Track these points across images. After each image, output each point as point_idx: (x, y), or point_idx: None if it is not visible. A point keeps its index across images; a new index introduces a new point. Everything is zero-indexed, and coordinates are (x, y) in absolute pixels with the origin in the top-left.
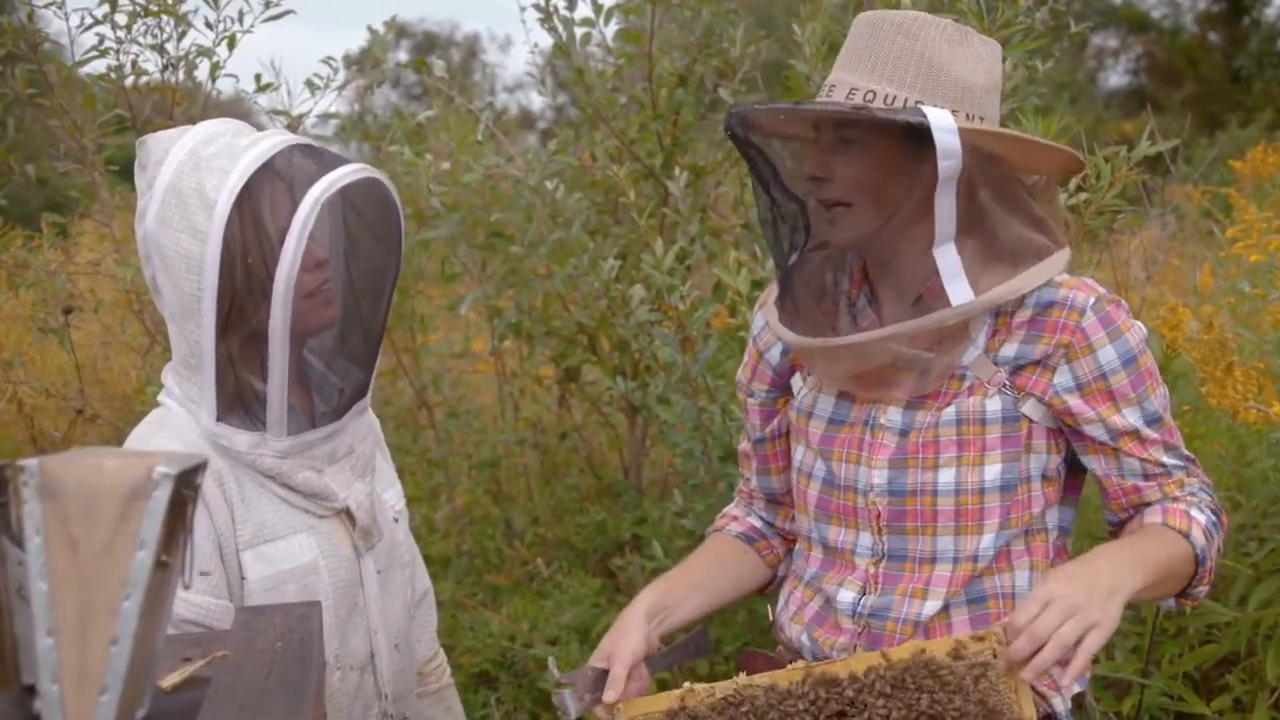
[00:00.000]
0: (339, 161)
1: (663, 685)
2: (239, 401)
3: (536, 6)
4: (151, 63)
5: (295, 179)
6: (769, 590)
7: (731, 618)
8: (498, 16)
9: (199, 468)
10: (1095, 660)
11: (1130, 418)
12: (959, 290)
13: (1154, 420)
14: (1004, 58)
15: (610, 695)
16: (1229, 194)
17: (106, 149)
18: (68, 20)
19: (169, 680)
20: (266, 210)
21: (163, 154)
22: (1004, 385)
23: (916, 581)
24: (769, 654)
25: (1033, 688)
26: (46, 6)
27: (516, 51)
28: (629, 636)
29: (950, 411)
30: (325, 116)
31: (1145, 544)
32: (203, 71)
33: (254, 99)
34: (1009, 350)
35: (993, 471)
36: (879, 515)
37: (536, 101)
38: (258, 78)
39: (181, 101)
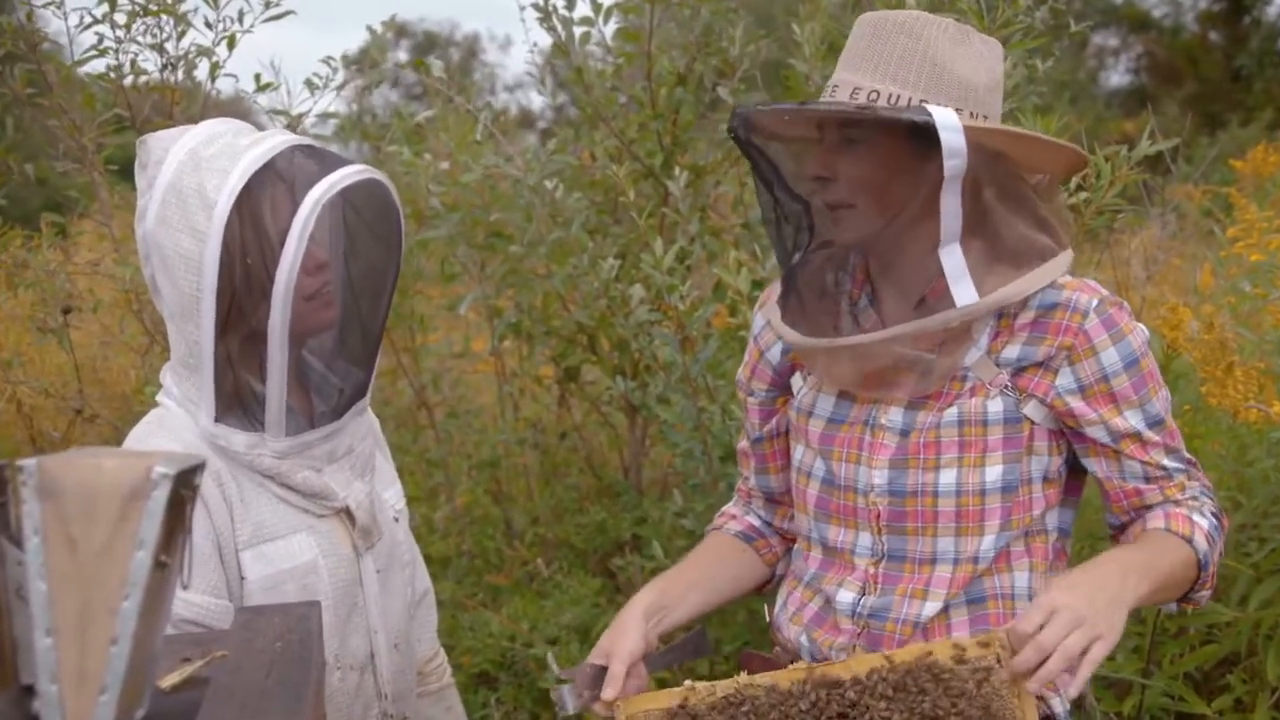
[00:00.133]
0: (340, 162)
1: (662, 685)
2: (238, 402)
3: (535, 6)
4: (151, 62)
5: (296, 180)
6: (767, 589)
7: (731, 618)
8: (497, 16)
9: (198, 468)
10: None
11: (1132, 420)
12: (964, 291)
13: (1155, 423)
14: (1004, 57)
15: (608, 693)
16: (1229, 193)
17: (106, 148)
18: (67, 20)
19: (168, 680)
20: (267, 211)
21: (163, 154)
22: (1006, 387)
23: (916, 582)
24: (766, 655)
25: None
26: (45, 6)
27: (516, 51)
28: (627, 635)
29: (952, 412)
30: (324, 116)
31: (1149, 551)
32: (202, 71)
33: (253, 99)
34: (1011, 352)
35: (994, 473)
36: (879, 515)
37: (536, 101)
38: (257, 77)
39: (181, 101)
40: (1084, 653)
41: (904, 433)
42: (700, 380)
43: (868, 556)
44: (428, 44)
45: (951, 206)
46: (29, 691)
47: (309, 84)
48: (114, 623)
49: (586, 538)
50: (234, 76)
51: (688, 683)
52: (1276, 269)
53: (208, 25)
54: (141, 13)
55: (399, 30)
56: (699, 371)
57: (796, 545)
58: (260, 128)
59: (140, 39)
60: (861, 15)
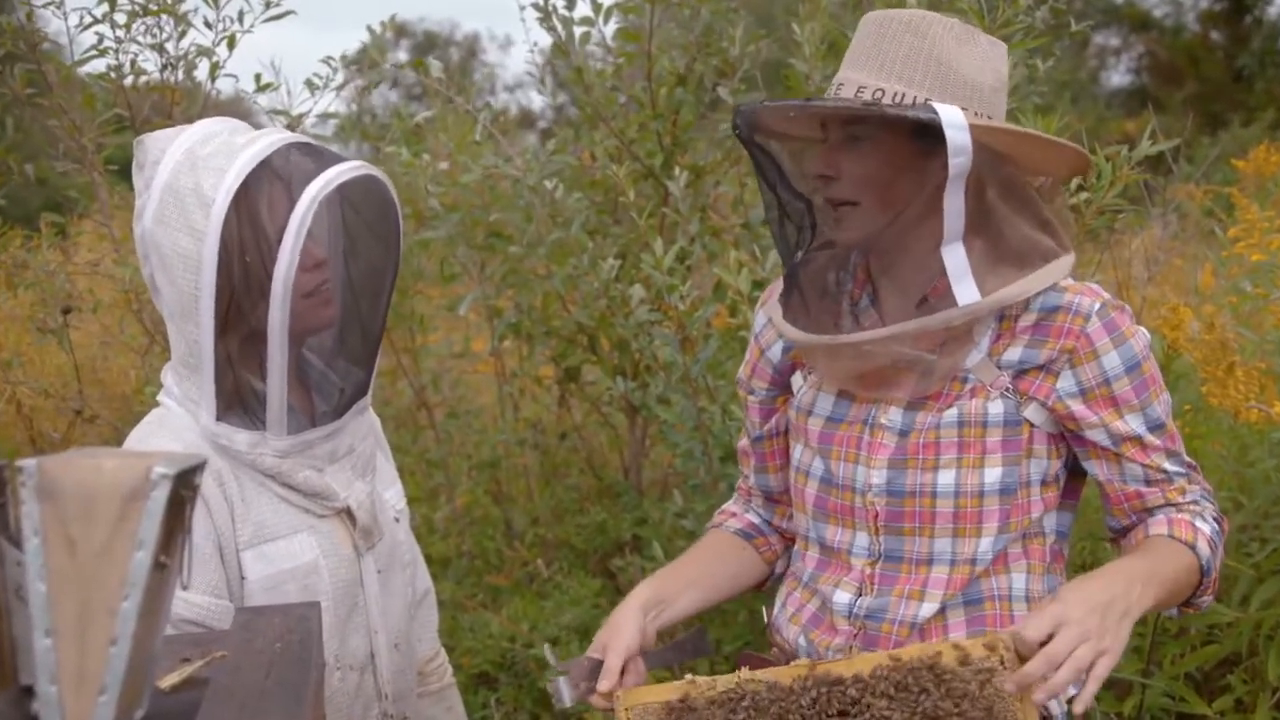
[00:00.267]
0: (336, 159)
1: (661, 682)
2: (238, 401)
3: (536, 6)
4: (151, 62)
5: (293, 177)
6: (765, 587)
7: (732, 618)
8: (498, 16)
9: (197, 468)
10: None
11: (1133, 423)
12: (966, 291)
13: (1156, 426)
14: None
15: (604, 685)
16: (1231, 193)
17: (105, 148)
18: (66, 20)
19: (168, 681)
20: (264, 209)
21: (160, 153)
22: (1006, 389)
23: (913, 583)
24: (764, 656)
25: None
26: (45, 6)
27: (516, 51)
28: (624, 628)
29: (952, 413)
30: (324, 116)
31: (1153, 559)
32: (202, 71)
33: (253, 99)
34: (1013, 354)
35: (993, 474)
36: (876, 515)
37: (536, 101)
38: (257, 77)
39: (181, 101)
40: (1090, 666)
41: (903, 433)
42: (700, 380)
43: (864, 557)
44: (428, 44)
45: (955, 205)
46: (28, 692)
47: (309, 84)
48: (113, 623)
49: (587, 538)
50: (234, 77)
51: (688, 676)
52: (1277, 269)
53: (208, 25)
54: (141, 13)
55: (399, 30)
56: (699, 372)
57: (795, 545)
58: (259, 128)
59: (140, 39)
60: (867, 14)
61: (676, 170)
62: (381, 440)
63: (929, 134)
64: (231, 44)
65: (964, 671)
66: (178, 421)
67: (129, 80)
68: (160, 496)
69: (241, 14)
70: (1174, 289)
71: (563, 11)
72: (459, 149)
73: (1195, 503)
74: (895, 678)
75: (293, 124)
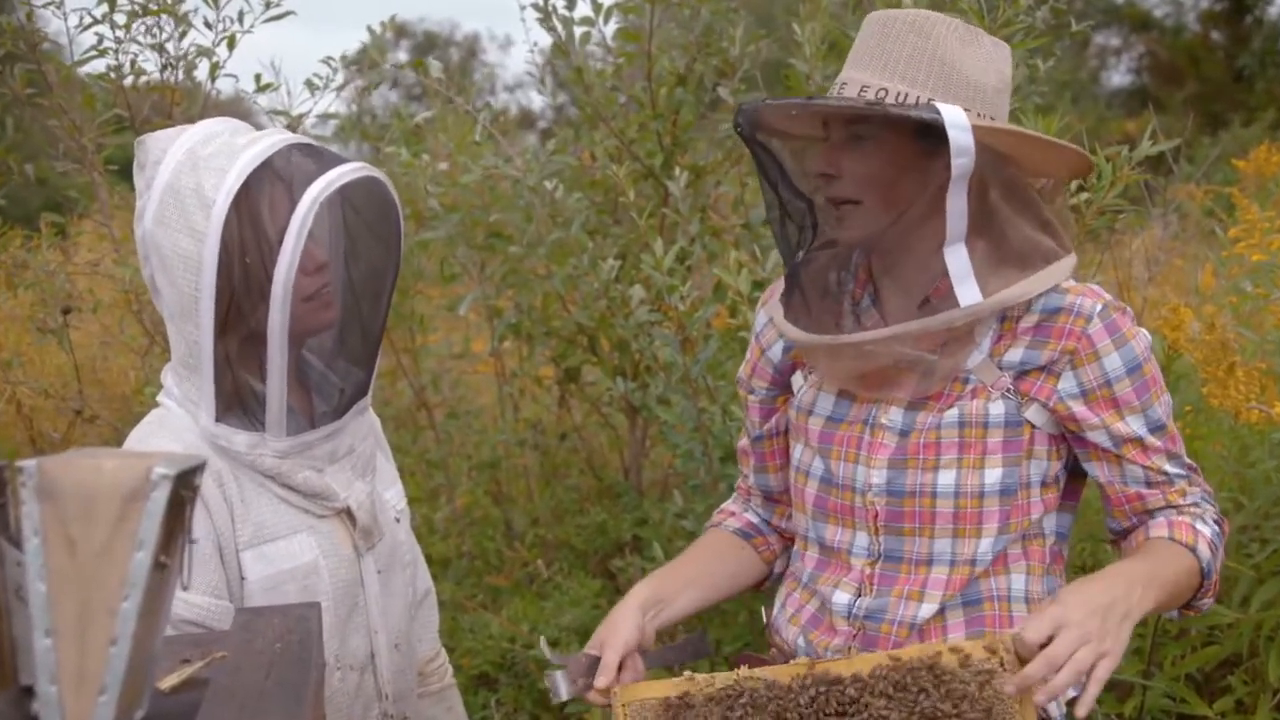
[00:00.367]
0: (338, 160)
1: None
2: (238, 402)
3: (536, 6)
4: (151, 62)
5: (294, 178)
6: (765, 586)
7: (732, 619)
8: (498, 16)
9: (198, 468)
10: None
11: (1134, 425)
12: (968, 292)
13: (1157, 428)
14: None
15: (601, 681)
16: (1231, 193)
17: (105, 149)
18: (66, 20)
19: (168, 681)
20: (265, 210)
21: (161, 154)
22: (1008, 390)
23: (913, 584)
24: (763, 657)
25: None
26: (45, 6)
27: (517, 51)
28: (622, 625)
29: (953, 413)
30: (324, 117)
31: (1154, 562)
32: (202, 71)
33: (253, 99)
34: (1014, 355)
35: (993, 475)
36: (876, 515)
37: (536, 101)
38: (257, 78)
39: (181, 101)
40: (1091, 669)
41: (904, 433)
42: (700, 381)
43: (864, 557)
44: (428, 44)
45: (957, 206)
46: (28, 692)
47: (309, 84)
48: (113, 623)
49: (587, 539)
50: (234, 77)
51: (687, 673)
52: (1278, 269)
53: (208, 25)
54: (141, 13)
55: (399, 31)
56: (699, 372)
57: (795, 545)
58: (260, 128)
59: (140, 39)
60: (870, 14)
61: (676, 170)
62: (382, 440)
63: (932, 134)
64: (231, 44)
65: (963, 673)
66: (178, 422)
67: (129, 80)
68: (160, 497)
69: (241, 14)
70: (1174, 289)
71: (563, 11)
72: (459, 149)
73: (1196, 505)
74: (894, 678)
75: (293, 124)
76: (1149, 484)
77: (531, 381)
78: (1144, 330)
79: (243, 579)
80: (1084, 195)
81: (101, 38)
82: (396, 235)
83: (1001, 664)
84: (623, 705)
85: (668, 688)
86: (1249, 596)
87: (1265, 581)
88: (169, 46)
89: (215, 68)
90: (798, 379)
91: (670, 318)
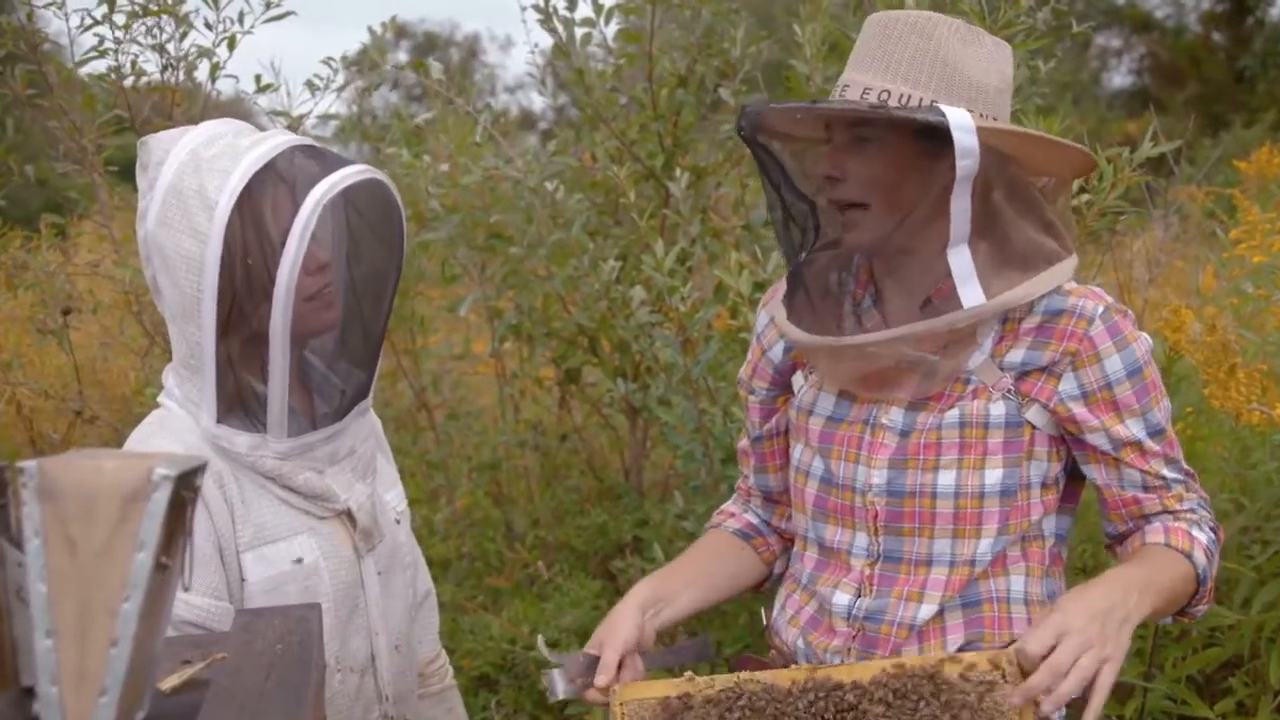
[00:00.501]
0: (341, 162)
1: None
2: (239, 403)
3: (537, 7)
4: (151, 63)
5: (297, 180)
6: (765, 587)
7: (732, 620)
8: (498, 17)
9: (199, 469)
10: None
11: (1133, 428)
12: (971, 293)
13: (1156, 432)
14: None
15: (601, 680)
16: (1233, 195)
17: (106, 149)
18: (67, 21)
19: (168, 682)
20: (268, 212)
21: (164, 154)
22: (1009, 391)
23: (912, 585)
24: (762, 659)
25: None
26: (46, 7)
27: (517, 52)
28: (621, 625)
29: (953, 414)
30: (325, 118)
31: (1151, 568)
32: (202, 72)
33: (254, 100)
34: (1015, 356)
35: (993, 476)
36: (876, 515)
37: (537, 102)
38: (258, 78)
39: (181, 102)
40: (1095, 676)
41: (904, 433)
42: (701, 382)
43: (864, 557)
44: (428, 45)
45: (961, 208)
46: (29, 693)
47: (309, 85)
48: (114, 624)
49: (587, 540)
50: (234, 77)
51: (687, 674)
52: (1279, 271)
53: (208, 26)
54: (142, 13)
55: (399, 31)
56: (700, 373)
57: (794, 546)
58: (261, 129)
59: (141, 40)
60: (871, 15)
61: (677, 171)
62: (382, 442)
63: (936, 136)
64: (232, 45)
65: (964, 683)
66: (178, 423)
67: (129, 81)
68: (161, 498)
69: (242, 15)
70: (1175, 291)
71: (564, 12)
72: (460, 150)
73: (1192, 511)
74: (894, 685)
75: (293, 125)
76: (1146, 488)
77: (532, 383)
78: (1145, 334)
79: (243, 580)
80: (1085, 196)
81: (102, 38)
82: (399, 237)
83: (1003, 676)
84: (621, 704)
85: (667, 688)
86: (1250, 598)
87: (1266, 583)
88: (169, 47)
89: (215, 68)
90: (798, 379)
91: (671, 319)
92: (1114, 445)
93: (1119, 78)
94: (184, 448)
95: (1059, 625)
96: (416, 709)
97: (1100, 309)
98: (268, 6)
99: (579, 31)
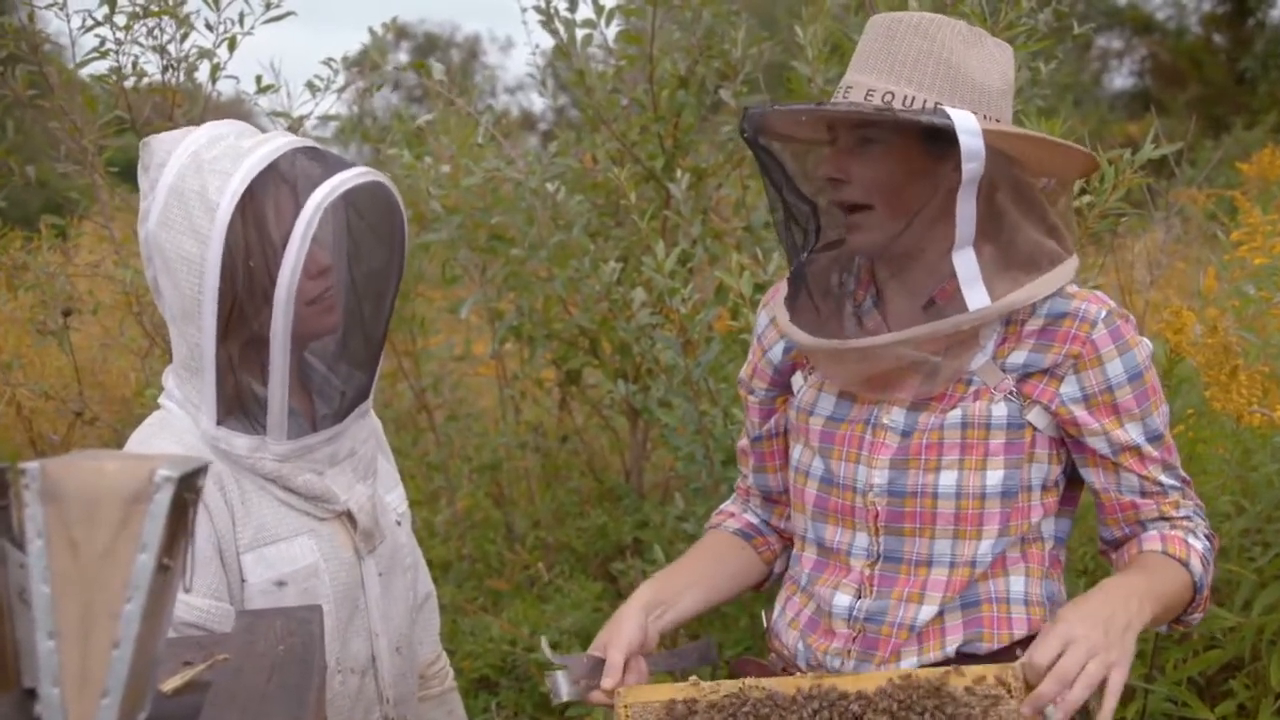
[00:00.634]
0: (343, 165)
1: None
2: (239, 405)
3: (538, 8)
4: (152, 64)
5: (298, 182)
6: (765, 587)
7: (732, 622)
8: (499, 17)
9: (200, 471)
10: None
11: (1132, 433)
12: (976, 295)
13: (1155, 437)
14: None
15: (608, 682)
16: (1234, 197)
17: (107, 150)
18: (69, 21)
19: (170, 684)
20: (269, 214)
21: (165, 155)
22: (1010, 392)
23: (912, 586)
24: (762, 662)
25: None
26: (48, 7)
27: (518, 53)
28: (625, 626)
29: (955, 414)
30: (325, 119)
31: (1150, 576)
32: (203, 73)
33: (254, 101)
34: (1018, 357)
35: (994, 477)
36: (877, 515)
37: (537, 103)
38: (258, 79)
39: (182, 103)
40: (1103, 682)
41: (905, 433)
42: (702, 384)
43: (864, 558)
44: (428, 45)
45: (966, 210)
46: (31, 695)
47: (310, 86)
48: (116, 626)
49: (587, 541)
50: (235, 78)
51: (692, 679)
52: None
53: (208, 27)
54: (142, 14)
55: (399, 32)
56: (701, 375)
57: (794, 547)
58: (262, 130)
59: (142, 41)
60: (873, 16)
61: (678, 173)
62: (383, 443)
63: (940, 138)
64: (232, 46)
65: (969, 697)
66: (179, 424)
67: (130, 82)
68: (163, 499)
69: (242, 16)
70: (1177, 292)
71: (564, 14)
72: (461, 151)
73: (1188, 518)
74: (899, 696)
75: (294, 126)
76: (1144, 493)
77: (533, 384)
78: (1146, 340)
79: (243, 581)
80: (1086, 198)
81: (103, 39)
82: (400, 240)
83: (1009, 691)
84: (625, 706)
85: (672, 691)
86: (1251, 600)
87: (1267, 585)
88: (170, 48)
89: (216, 69)
90: (797, 379)
91: (672, 320)
92: (1113, 450)
93: (1120, 79)
94: (184, 449)
95: (1063, 634)
96: (417, 711)
97: (1103, 313)
98: (268, 7)
99: (580, 33)
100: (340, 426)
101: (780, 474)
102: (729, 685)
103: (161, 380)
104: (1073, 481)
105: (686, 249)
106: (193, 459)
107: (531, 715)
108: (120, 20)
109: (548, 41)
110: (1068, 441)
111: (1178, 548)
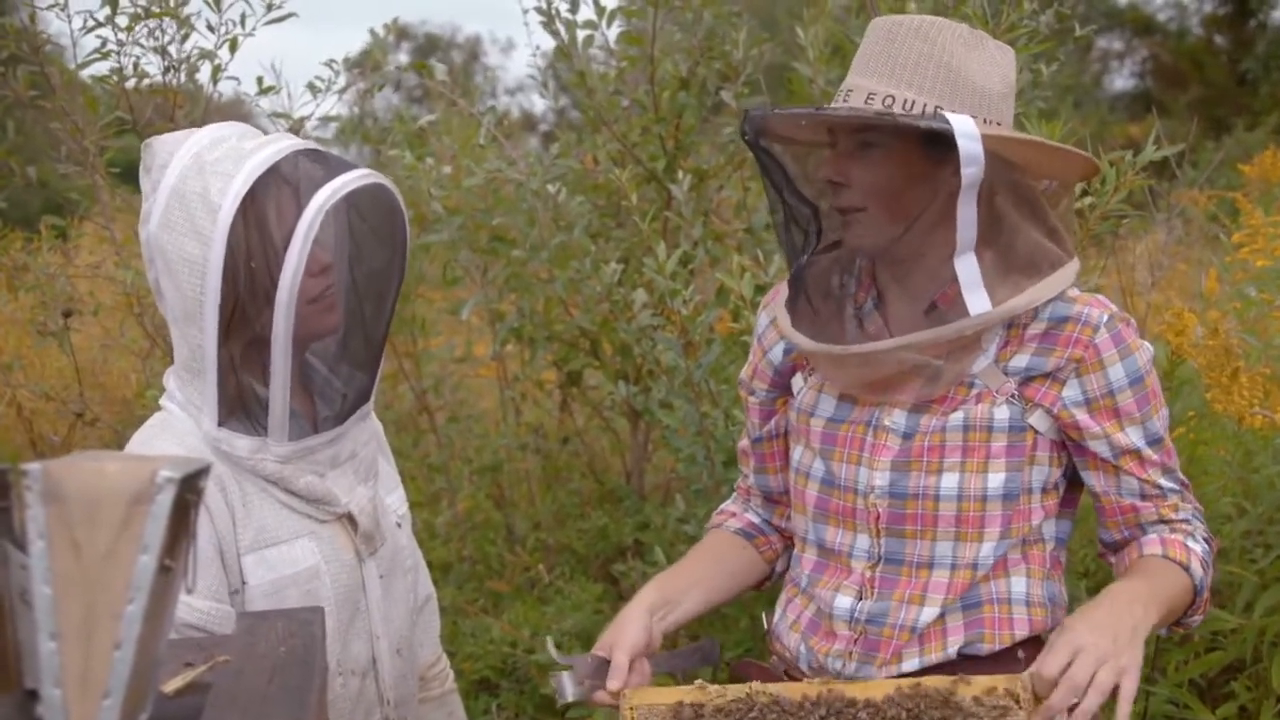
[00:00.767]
0: (345, 167)
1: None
2: (241, 406)
3: (539, 9)
4: (153, 65)
5: (300, 184)
6: (766, 586)
7: (733, 624)
8: (499, 18)
9: (202, 472)
10: None
11: (1133, 436)
12: (977, 300)
13: (1155, 441)
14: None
15: (613, 684)
16: (1235, 198)
17: (108, 151)
18: (70, 22)
19: (171, 685)
20: (271, 215)
21: (168, 157)
22: (1012, 395)
23: (914, 587)
24: (763, 664)
25: None
26: (49, 8)
27: (518, 54)
28: (630, 627)
29: (958, 417)
30: (326, 120)
31: (1153, 581)
32: (204, 74)
33: (255, 102)
34: (1020, 361)
35: (996, 480)
36: (878, 517)
37: (538, 104)
38: (259, 80)
39: (183, 104)
40: (1115, 689)
41: (907, 435)
42: (703, 385)
43: (865, 560)
44: (429, 46)
45: (967, 214)
46: (32, 696)
47: (311, 87)
48: (118, 627)
49: (588, 543)
50: (236, 79)
51: (699, 682)
52: None
53: (210, 28)
54: (144, 15)
55: (400, 33)
56: (702, 376)
57: (794, 549)
58: (263, 131)
59: (143, 42)
60: (875, 19)
61: (679, 174)
62: (384, 445)
63: (940, 142)
64: (233, 47)
65: (977, 707)
66: (180, 425)
67: (131, 83)
68: (165, 500)
69: (244, 17)
70: (1178, 294)
71: (566, 15)
72: (463, 152)
73: (1187, 522)
74: (907, 705)
75: (295, 127)
76: (1144, 496)
77: (533, 385)
78: (1147, 343)
79: (244, 583)
80: (1088, 200)
81: (104, 40)
82: (402, 242)
83: (1017, 702)
84: (631, 708)
85: (679, 694)
86: (1252, 602)
87: (1269, 587)
88: (172, 49)
89: (217, 70)
90: (797, 381)
91: (673, 322)
92: (1114, 453)
93: (1121, 81)
94: (185, 450)
95: (1071, 644)
96: (418, 713)
97: (1105, 317)
98: (269, 8)
99: (581, 34)
100: (341, 428)
101: (781, 475)
102: (735, 690)
103: (163, 381)
104: (1073, 484)
105: (688, 250)
106: (194, 460)
107: (532, 717)
108: (122, 21)
109: (549, 43)
110: (1068, 444)
111: (1178, 551)
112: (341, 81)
